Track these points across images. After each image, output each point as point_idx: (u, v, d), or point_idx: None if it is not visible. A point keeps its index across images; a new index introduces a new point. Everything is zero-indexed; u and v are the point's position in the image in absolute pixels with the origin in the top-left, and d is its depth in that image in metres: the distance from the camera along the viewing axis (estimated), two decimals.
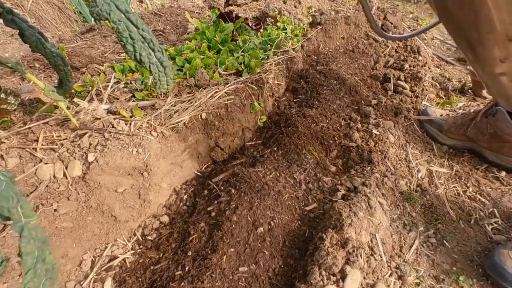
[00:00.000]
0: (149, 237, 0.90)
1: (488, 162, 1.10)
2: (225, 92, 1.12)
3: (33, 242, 0.46)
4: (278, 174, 1.00)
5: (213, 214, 0.89)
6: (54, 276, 0.48)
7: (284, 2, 1.78)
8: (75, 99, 0.98)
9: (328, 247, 0.71)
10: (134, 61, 0.68)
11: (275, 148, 1.13)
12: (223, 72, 1.22)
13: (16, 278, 0.66)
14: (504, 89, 0.84)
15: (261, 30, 1.51)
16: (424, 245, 0.84)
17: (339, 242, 0.72)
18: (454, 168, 1.08)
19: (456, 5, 0.66)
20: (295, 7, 1.79)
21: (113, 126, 0.90)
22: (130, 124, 0.92)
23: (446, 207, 0.95)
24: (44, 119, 0.87)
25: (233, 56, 1.28)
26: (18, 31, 0.72)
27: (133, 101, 1.03)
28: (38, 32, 0.75)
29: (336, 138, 1.17)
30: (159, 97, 1.07)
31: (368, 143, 1.12)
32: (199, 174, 1.08)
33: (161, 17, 1.77)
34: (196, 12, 1.91)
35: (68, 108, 0.91)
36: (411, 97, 1.44)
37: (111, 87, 1.08)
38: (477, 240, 0.86)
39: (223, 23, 1.43)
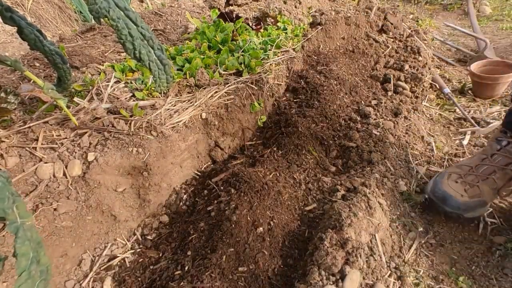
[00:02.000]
0: (149, 237, 0.90)
1: None
2: (225, 92, 1.12)
3: (28, 243, 0.45)
4: (278, 174, 1.00)
5: (212, 214, 0.89)
6: (48, 278, 0.48)
7: (285, 2, 1.78)
8: (75, 99, 0.98)
9: (327, 247, 0.71)
10: (133, 58, 0.68)
11: (275, 148, 1.13)
12: (223, 72, 1.22)
13: (15, 277, 0.66)
14: None
15: (262, 30, 1.51)
16: (424, 245, 0.84)
17: (338, 242, 0.72)
18: None
19: None
20: (295, 7, 1.79)
21: (113, 126, 0.90)
22: (130, 123, 0.92)
23: None
24: (44, 118, 0.87)
25: (233, 56, 1.28)
26: (17, 29, 0.72)
27: (133, 100, 1.03)
28: (36, 30, 0.75)
29: (336, 138, 1.17)
30: (159, 97, 1.07)
31: (368, 143, 1.12)
32: (199, 174, 1.08)
33: (161, 17, 1.77)
34: (197, 12, 1.91)
35: (68, 107, 0.91)
36: (411, 97, 1.44)
37: (111, 86, 1.08)
38: (477, 241, 0.86)
39: (224, 23, 1.43)
